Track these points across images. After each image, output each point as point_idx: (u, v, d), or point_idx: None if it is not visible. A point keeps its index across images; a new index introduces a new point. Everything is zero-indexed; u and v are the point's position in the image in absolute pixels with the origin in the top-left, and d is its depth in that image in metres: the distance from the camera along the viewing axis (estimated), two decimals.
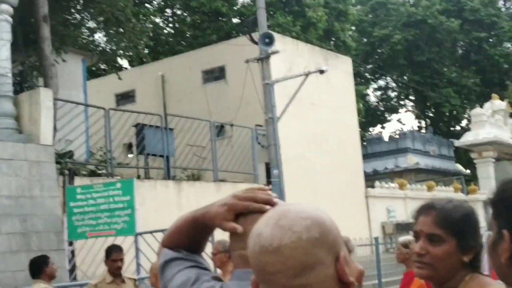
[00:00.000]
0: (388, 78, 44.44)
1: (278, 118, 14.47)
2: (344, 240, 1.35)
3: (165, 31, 31.12)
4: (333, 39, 32.24)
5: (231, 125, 17.18)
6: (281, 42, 19.36)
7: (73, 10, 16.59)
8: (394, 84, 45.60)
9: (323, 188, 20.57)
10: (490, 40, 42.45)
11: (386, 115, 46.67)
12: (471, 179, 33.67)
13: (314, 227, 1.24)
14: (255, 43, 14.72)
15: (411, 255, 2.17)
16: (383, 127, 46.04)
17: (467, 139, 29.66)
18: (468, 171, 36.22)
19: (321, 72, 14.98)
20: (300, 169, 19.63)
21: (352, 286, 1.25)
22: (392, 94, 46.77)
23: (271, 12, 28.28)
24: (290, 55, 20.15)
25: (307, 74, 14.92)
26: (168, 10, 31.21)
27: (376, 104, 46.59)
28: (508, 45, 44.93)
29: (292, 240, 1.22)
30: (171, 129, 15.52)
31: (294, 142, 19.52)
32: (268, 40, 13.84)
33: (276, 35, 15.85)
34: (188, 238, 1.69)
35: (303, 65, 17.54)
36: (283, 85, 16.06)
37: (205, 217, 1.63)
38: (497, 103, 31.38)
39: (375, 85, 46.39)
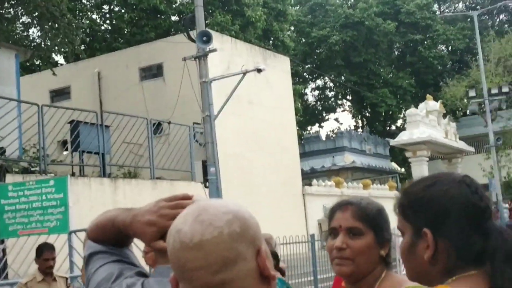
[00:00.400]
0: (326, 78, 44.99)
1: (215, 116, 14.46)
2: (267, 237, 1.35)
3: (102, 27, 30.68)
4: (272, 38, 32.43)
5: (169, 123, 17.06)
6: (220, 40, 19.38)
7: (6, 5, 16.21)
8: (331, 84, 46.19)
9: (260, 186, 20.69)
10: (425, 42, 43.40)
11: (324, 114, 47.22)
12: (406, 178, 34.37)
13: (235, 221, 1.22)
14: (193, 41, 14.64)
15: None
16: (320, 126, 46.60)
17: (402, 138, 30.26)
18: (403, 170, 36.99)
19: (259, 71, 15.04)
20: (238, 167, 19.70)
21: (273, 280, 1.24)
22: (330, 94, 47.39)
23: (210, 11, 28.24)
24: (228, 53, 20.19)
25: (244, 73, 14.94)
26: (106, 7, 30.77)
27: (314, 103, 47.07)
28: (442, 47, 46.10)
29: (213, 235, 1.19)
30: (107, 126, 15.30)
31: (232, 140, 19.57)
32: (205, 38, 13.78)
33: (214, 34, 15.82)
34: (111, 236, 1.64)
35: (241, 63, 17.56)
36: (221, 83, 16.07)
37: (127, 229, 1.57)
38: (431, 103, 32.12)
39: (313, 85, 46.90)
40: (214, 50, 14.24)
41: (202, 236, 1.19)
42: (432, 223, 1.53)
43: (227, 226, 1.21)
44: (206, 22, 27.88)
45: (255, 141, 21.05)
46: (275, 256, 5.69)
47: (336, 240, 2.18)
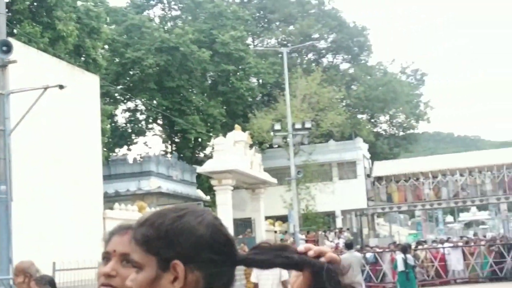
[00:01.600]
0: (138, 101, 44.45)
1: (11, 131, 13.55)
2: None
3: None
4: (84, 55, 31.43)
5: None
6: (24, 52, 18.39)
7: None
8: (143, 107, 45.71)
9: (59, 206, 19.80)
10: (238, 73, 44.47)
11: (133, 137, 46.53)
12: (211, 205, 34.72)
13: None
14: None
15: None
16: (129, 149, 45.80)
17: (209, 166, 30.57)
18: (208, 198, 37.37)
19: (61, 87, 14.39)
20: (36, 185, 18.69)
21: None
22: (141, 117, 46.81)
23: (19, 19, 26.85)
24: (33, 67, 19.16)
25: (45, 88, 14.21)
26: None
27: (124, 125, 46.28)
28: (254, 80, 47.52)
29: None
30: None
31: (31, 157, 18.54)
32: (6, 48, 12.94)
33: (18, 44, 15.00)
34: None
35: (47, 78, 16.74)
36: (23, 97, 15.16)
37: None
38: (239, 134, 32.80)
39: (124, 106, 46.10)
40: (14, 61, 13.41)
41: None
42: (184, 255, 1.47)
43: None
44: (14, 31, 26.54)
45: (55, 159, 20.11)
46: (50, 283, 5.27)
47: (107, 265, 1.94)
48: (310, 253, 1.48)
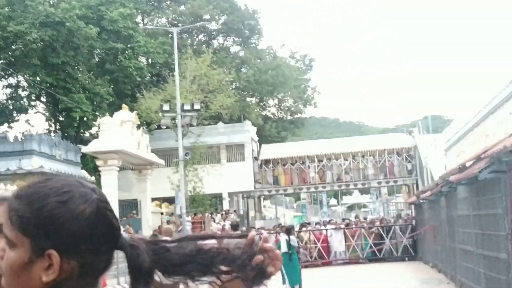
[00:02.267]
0: (20, 77, 42.61)
1: None
2: None
3: None
4: None
5: None
6: None
7: None
8: (26, 83, 43.85)
9: None
10: (126, 52, 43.43)
11: (15, 115, 44.61)
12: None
13: None
14: None
15: None
16: (10, 127, 43.86)
17: (94, 146, 29.81)
18: (93, 178, 36.45)
19: None
20: None
21: None
22: (23, 94, 44.89)
23: None
24: None
25: None
26: None
27: (5, 102, 44.28)
28: (143, 59, 46.64)
29: None
30: None
31: None
32: None
33: None
34: None
35: None
36: None
37: None
38: (126, 114, 32.11)
39: (5, 82, 44.05)
40: None
41: None
42: (61, 245, 1.35)
43: None
44: None
45: None
46: None
47: None
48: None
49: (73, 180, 1.46)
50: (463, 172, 13.76)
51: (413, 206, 31.76)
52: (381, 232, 29.39)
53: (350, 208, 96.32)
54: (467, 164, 13.82)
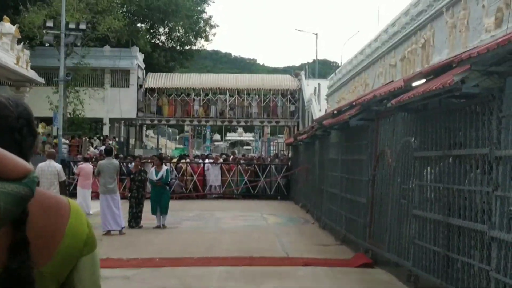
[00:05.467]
0: None
1: None
2: None
3: None
4: None
5: None
6: None
7: None
8: None
9: None
10: None
11: None
12: None
13: None
14: None
15: None
16: None
17: None
18: None
19: None
20: None
21: None
22: None
23: None
24: None
25: None
26: None
27: None
28: None
29: None
30: None
31: None
32: None
33: None
34: None
35: None
36: None
37: None
38: (7, 26, 30.53)
39: None
40: None
41: None
42: None
43: None
44: None
45: None
46: None
47: None
48: None
49: None
50: (336, 117, 14.14)
51: (290, 147, 32.50)
52: (257, 170, 29.93)
53: (233, 145, 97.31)
54: (342, 110, 14.22)
